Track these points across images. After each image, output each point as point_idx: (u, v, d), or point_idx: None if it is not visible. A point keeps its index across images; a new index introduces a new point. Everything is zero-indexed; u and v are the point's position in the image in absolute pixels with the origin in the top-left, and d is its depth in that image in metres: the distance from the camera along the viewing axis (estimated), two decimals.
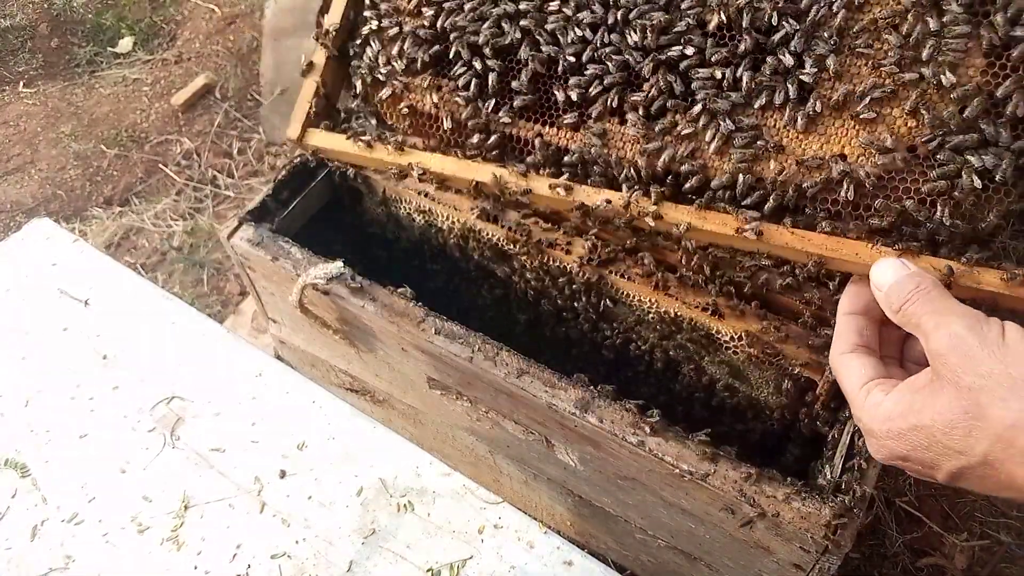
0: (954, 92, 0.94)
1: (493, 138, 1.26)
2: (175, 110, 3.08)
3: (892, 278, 0.80)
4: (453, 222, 1.36)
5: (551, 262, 1.28)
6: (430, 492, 1.22)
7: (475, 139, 1.27)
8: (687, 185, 1.12)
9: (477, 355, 1.15)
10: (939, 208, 0.96)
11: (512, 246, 1.31)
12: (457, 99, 1.27)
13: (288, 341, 1.60)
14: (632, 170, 1.15)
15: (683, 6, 1.11)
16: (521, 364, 1.14)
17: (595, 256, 1.24)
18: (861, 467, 1.00)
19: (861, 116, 1.01)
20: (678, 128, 1.12)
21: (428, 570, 1.14)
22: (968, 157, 0.93)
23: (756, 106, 1.07)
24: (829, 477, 1.02)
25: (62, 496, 1.23)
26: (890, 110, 1.00)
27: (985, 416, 0.65)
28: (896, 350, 0.89)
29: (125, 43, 3.39)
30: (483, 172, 1.25)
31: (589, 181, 1.20)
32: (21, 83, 3.22)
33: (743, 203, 1.09)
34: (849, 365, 0.84)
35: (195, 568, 1.15)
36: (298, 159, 1.44)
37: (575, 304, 1.31)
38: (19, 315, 1.46)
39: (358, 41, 1.38)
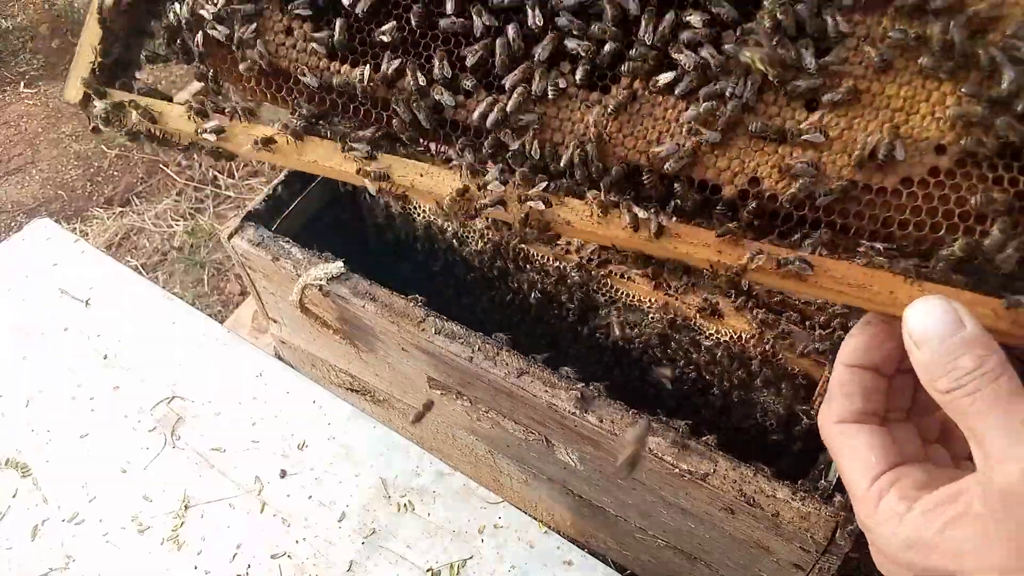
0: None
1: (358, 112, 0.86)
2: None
3: (938, 333, 0.55)
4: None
5: (551, 262, 1.28)
6: (430, 492, 1.22)
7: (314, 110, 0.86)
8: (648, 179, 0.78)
9: (477, 355, 1.15)
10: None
11: (511, 245, 1.31)
12: (313, 45, 0.86)
13: (288, 341, 1.60)
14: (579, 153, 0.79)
15: None
16: (521, 364, 1.14)
17: (595, 256, 1.24)
18: None
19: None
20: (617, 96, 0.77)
21: (428, 570, 1.14)
22: None
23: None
24: (829, 477, 1.02)
25: (63, 496, 1.24)
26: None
27: None
28: (905, 398, 0.67)
29: None
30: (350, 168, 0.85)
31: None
32: (22, 83, 3.22)
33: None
34: (853, 444, 0.62)
35: (195, 568, 1.16)
36: None
37: (574, 304, 1.31)
38: (20, 315, 1.46)
39: None
